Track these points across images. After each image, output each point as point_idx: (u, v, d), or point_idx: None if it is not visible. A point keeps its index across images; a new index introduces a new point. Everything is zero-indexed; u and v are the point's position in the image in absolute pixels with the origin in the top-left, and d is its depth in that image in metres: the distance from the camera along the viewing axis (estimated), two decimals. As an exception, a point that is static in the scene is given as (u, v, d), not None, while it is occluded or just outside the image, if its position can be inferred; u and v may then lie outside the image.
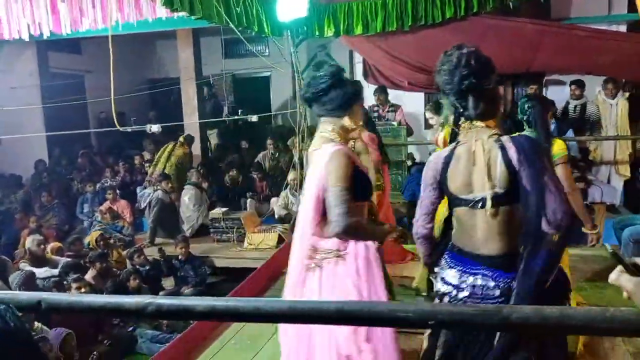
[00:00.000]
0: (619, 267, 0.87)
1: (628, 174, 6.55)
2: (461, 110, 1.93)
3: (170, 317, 2.64)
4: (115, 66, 4.00)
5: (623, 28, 6.83)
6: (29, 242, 6.00)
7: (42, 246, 6.01)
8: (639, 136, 6.57)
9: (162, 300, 1.12)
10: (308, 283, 2.20)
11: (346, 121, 2.24)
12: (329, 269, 2.16)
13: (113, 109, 3.88)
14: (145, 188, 7.84)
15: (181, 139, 8.25)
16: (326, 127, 2.25)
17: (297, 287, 2.21)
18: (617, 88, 6.47)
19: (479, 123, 1.91)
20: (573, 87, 6.62)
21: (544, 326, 0.84)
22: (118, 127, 4.13)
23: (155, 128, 5.24)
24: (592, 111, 6.53)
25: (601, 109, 6.51)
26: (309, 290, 2.19)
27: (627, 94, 6.54)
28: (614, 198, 6.41)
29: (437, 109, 4.76)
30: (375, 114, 7.17)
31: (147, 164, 8.75)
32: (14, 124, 7.27)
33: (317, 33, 6.35)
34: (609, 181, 6.68)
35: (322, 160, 2.13)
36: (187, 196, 7.26)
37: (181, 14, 4.87)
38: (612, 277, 0.88)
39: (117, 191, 7.85)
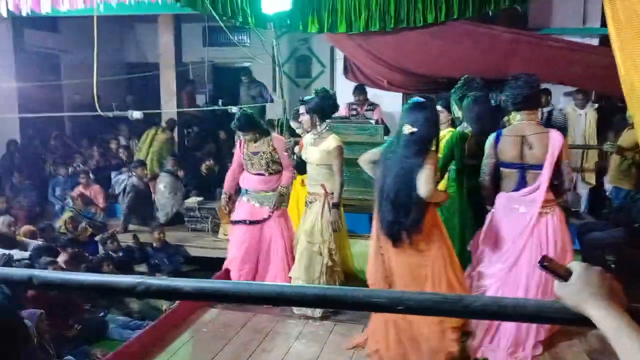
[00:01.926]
0: (556, 281, 0.90)
1: (593, 182, 6.82)
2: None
3: (158, 296, 2.85)
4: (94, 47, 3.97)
5: (595, 41, 7.04)
6: (-1, 223, 5.92)
7: (12, 228, 5.94)
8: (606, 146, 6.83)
9: (151, 280, 1.19)
10: (542, 223, 3.15)
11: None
12: (555, 214, 3.18)
13: (95, 92, 3.85)
14: (120, 173, 7.78)
15: (163, 123, 8.20)
16: (531, 118, 3.25)
17: (532, 228, 3.16)
18: (586, 99, 6.71)
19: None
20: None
21: (500, 313, 0.95)
22: (99, 111, 4.10)
23: (137, 115, 5.19)
24: (559, 118, 6.77)
25: (570, 118, 6.75)
26: (544, 228, 3.14)
27: (596, 105, 6.80)
28: (578, 205, 6.68)
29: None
30: (354, 112, 7.27)
31: (122, 149, 8.67)
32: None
33: (300, 28, 6.39)
34: (574, 188, 6.94)
35: (555, 140, 3.09)
36: (163, 184, 7.24)
37: None
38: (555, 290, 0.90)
39: (91, 176, 7.77)
